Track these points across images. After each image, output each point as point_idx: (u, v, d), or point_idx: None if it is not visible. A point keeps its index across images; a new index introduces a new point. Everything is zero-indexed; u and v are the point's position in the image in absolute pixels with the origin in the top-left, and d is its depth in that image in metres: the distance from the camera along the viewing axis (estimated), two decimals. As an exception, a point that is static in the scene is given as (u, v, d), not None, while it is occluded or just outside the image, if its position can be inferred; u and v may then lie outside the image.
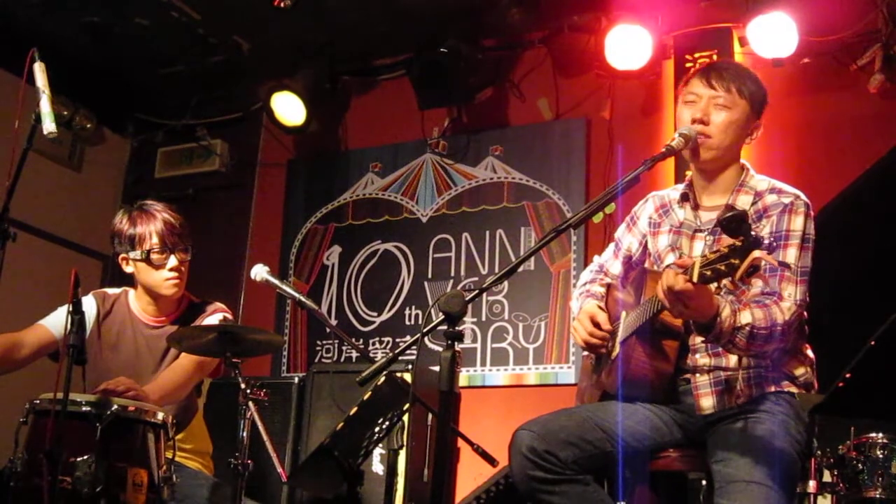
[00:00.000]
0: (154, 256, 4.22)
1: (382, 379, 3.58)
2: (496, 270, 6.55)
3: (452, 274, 6.80)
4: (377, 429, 3.81)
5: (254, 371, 6.69)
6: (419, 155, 7.14)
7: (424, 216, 7.01)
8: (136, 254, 4.23)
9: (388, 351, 6.75)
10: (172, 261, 4.25)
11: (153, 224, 4.23)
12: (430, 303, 6.74)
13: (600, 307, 3.71)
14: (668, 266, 3.54)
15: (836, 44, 5.85)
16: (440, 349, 2.83)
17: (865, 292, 5.42)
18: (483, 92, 6.88)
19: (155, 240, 4.22)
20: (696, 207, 3.63)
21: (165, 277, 4.25)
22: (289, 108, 7.00)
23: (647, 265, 3.74)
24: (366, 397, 3.67)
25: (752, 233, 2.83)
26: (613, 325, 3.62)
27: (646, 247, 3.80)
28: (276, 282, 4.35)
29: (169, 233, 4.24)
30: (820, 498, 3.92)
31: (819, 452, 3.94)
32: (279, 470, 3.88)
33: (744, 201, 3.51)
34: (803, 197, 3.48)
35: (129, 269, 4.30)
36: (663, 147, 3.45)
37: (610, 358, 3.61)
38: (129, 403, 3.59)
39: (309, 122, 7.06)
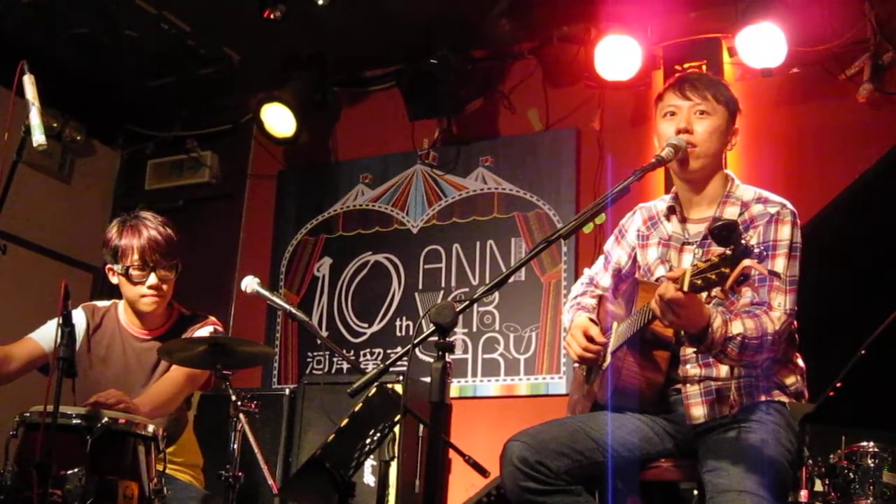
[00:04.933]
0: (133, 273, 4.19)
1: (373, 390, 3.57)
2: (487, 281, 6.54)
3: (443, 285, 6.80)
4: (368, 440, 3.80)
5: (244, 383, 6.67)
6: (409, 166, 7.15)
7: (415, 227, 7.01)
8: (118, 267, 4.21)
9: (379, 362, 6.74)
10: (152, 279, 4.20)
11: (136, 240, 4.18)
12: (421, 314, 6.74)
13: (592, 320, 3.71)
14: (658, 278, 3.56)
15: (824, 53, 5.87)
16: (431, 360, 2.83)
17: (855, 302, 5.43)
18: (473, 103, 6.90)
19: (135, 256, 4.18)
20: (683, 220, 3.64)
21: (142, 294, 4.22)
22: (279, 120, 6.99)
23: (637, 277, 3.75)
24: (357, 409, 3.66)
25: (742, 242, 2.84)
26: (605, 337, 3.62)
27: (635, 259, 3.81)
28: (267, 293, 4.34)
29: (151, 250, 4.19)
30: (811, 507, 3.93)
31: (810, 461, 3.94)
32: (270, 482, 3.87)
33: (730, 212, 3.51)
34: (789, 206, 3.48)
35: (114, 279, 4.30)
36: (653, 157, 3.46)
37: (601, 368, 3.61)
38: (120, 416, 3.57)
39: (299, 134, 7.06)
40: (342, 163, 7.46)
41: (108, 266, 4.29)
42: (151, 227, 4.24)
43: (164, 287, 4.26)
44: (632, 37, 6.05)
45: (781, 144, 5.95)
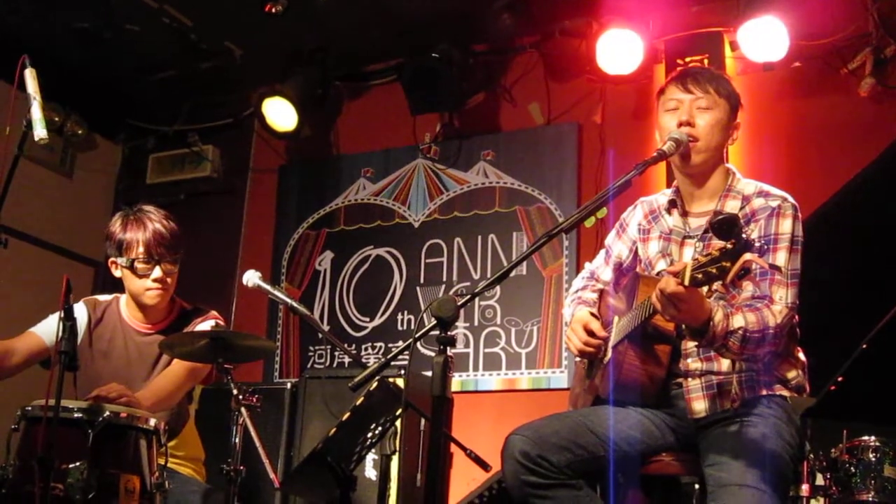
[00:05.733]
0: (138, 266, 4.19)
1: (375, 384, 3.57)
2: (488, 275, 6.55)
3: (444, 279, 6.80)
4: (370, 434, 3.81)
5: (246, 377, 6.68)
6: (411, 160, 7.15)
7: (416, 221, 7.01)
8: (123, 260, 4.21)
9: (380, 356, 6.74)
10: (157, 272, 4.21)
11: (142, 233, 4.19)
12: (423, 308, 6.74)
13: (593, 314, 3.71)
14: (660, 272, 3.56)
15: (826, 48, 5.86)
16: (433, 354, 2.83)
17: (857, 296, 5.43)
18: (474, 97, 6.90)
19: (141, 249, 4.18)
20: (684, 214, 3.64)
21: (147, 287, 4.22)
22: (280, 114, 6.99)
23: (638, 271, 3.75)
24: (358, 403, 3.67)
25: (743, 236, 2.84)
26: (606, 331, 3.63)
27: (636, 253, 3.81)
28: (268, 287, 4.34)
29: (156, 243, 4.20)
30: (812, 501, 3.92)
31: (811, 456, 3.94)
32: (272, 476, 3.87)
33: (731, 206, 3.51)
34: (790, 199, 3.48)
35: (117, 273, 4.29)
36: (655, 151, 3.46)
37: (602, 362, 3.61)
38: (122, 410, 3.58)
39: (301, 128, 7.05)
40: (344, 157, 7.45)
41: (112, 259, 4.29)
42: (156, 220, 4.25)
43: (169, 280, 4.27)
44: (633, 31, 6.04)
45: (783, 138, 5.95)
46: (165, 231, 4.24)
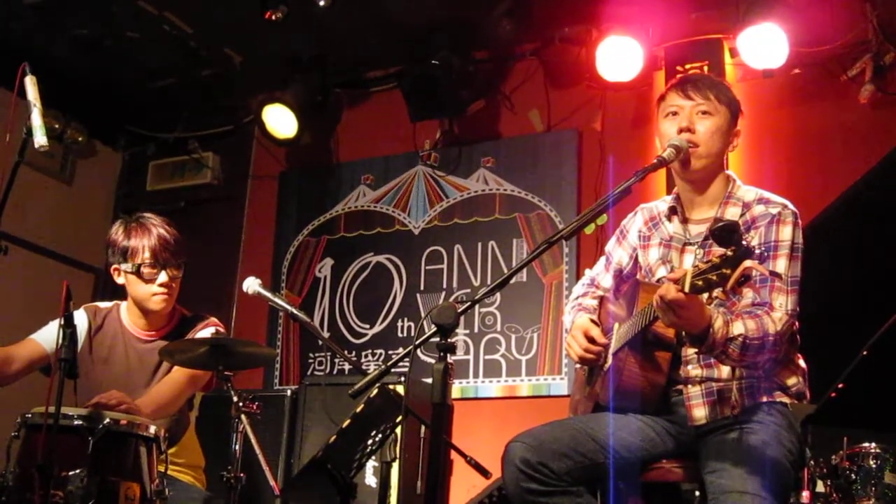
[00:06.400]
0: (145, 271, 4.21)
1: (375, 391, 3.57)
2: (488, 282, 6.55)
3: (444, 286, 6.80)
4: (370, 441, 3.80)
5: (246, 384, 6.67)
6: (411, 167, 7.15)
7: (416, 228, 7.01)
8: (128, 266, 4.23)
9: (380, 363, 6.73)
10: (163, 276, 4.23)
11: (147, 238, 4.22)
12: (423, 315, 6.73)
13: (593, 321, 3.71)
14: (660, 279, 3.56)
15: (826, 54, 5.87)
16: (433, 361, 2.83)
17: (857, 302, 5.43)
18: (474, 104, 6.89)
19: (147, 254, 4.21)
20: (684, 221, 3.64)
21: (153, 292, 4.24)
22: (280, 121, 7.00)
23: (638, 278, 3.74)
24: (358, 410, 3.66)
25: (743, 242, 2.84)
26: (607, 338, 3.62)
27: (636, 260, 3.81)
28: (269, 294, 4.34)
29: (162, 248, 4.23)
30: (813, 508, 3.92)
31: (812, 462, 3.93)
32: (272, 483, 3.87)
33: (732, 213, 3.51)
34: (791, 206, 3.48)
35: (120, 279, 4.30)
36: (655, 158, 3.46)
37: (602, 369, 3.61)
38: (122, 417, 3.58)
39: (301, 135, 7.06)
40: (344, 164, 7.46)
41: (115, 266, 4.30)
42: (158, 225, 4.28)
43: (174, 285, 4.29)
44: (633, 38, 6.05)
45: (783, 145, 5.95)
46: (169, 237, 4.28)
